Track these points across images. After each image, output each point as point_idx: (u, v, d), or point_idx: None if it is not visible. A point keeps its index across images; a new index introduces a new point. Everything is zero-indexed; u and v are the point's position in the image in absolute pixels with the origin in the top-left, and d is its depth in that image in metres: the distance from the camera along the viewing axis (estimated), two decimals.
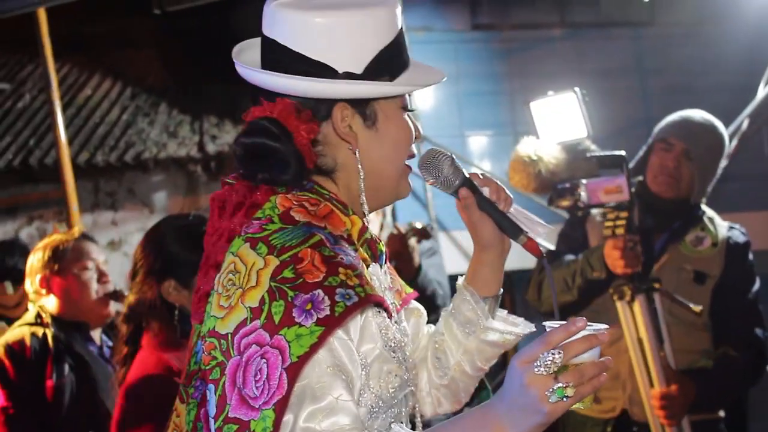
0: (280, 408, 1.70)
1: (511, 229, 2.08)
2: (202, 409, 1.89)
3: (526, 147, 4.21)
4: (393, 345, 1.93)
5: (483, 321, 2.20)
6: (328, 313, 1.74)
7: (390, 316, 1.97)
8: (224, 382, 1.77)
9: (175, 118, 9.22)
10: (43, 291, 3.87)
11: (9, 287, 4.41)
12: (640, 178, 4.12)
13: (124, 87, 9.42)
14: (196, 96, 9.38)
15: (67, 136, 5.75)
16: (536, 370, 1.65)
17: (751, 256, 4.12)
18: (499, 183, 2.12)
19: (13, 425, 3.59)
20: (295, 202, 1.94)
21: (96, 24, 9.29)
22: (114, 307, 4.03)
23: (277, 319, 1.74)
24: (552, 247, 2.07)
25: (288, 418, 1.71)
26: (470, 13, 7.95)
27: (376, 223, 4.74)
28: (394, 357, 1.92)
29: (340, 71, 1.95)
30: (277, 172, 1.96)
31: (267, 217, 1.92)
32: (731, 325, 4.00)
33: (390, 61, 2.00)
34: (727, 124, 4.23)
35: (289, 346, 1.72)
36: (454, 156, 2.13)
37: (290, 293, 1.76)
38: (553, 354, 1.65)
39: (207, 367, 1.84)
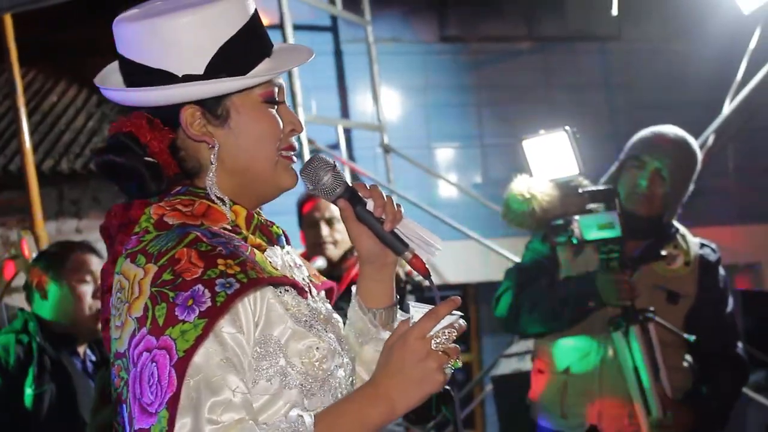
0: (173, 404, 1.72)
1: (393, 244, 2.04)
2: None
3: (520, 185, 4.20)
4: (306, 319, 1.93)
5: (374, 332, 2.16)
6: (209, 304, 1.76)
7: (302, 293, 1.97)
8: (129, 398, 1.78)
9: None
10: (38, 296, 3.81)
11: None
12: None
13: (90, 94, 9.36)
14: None
15: (31, 143, 5.67)
16: (434, 346, 1.80)
17: (722, 272, 4.14)
18: (387, 196, 2.07)
19: None
20: (167, 208, 1.95)
21: (63, 31, 9.24)
22: None
23: (161, 321, 1.76)
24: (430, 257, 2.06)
25: (189, 418, 1.72)
26: (439, 25, 7.95)
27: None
28: (311, 330, 1.92)
29: (180, 75, 1.94)
30: (133, 186, 1.97)
31: (144, 229, 1.92)
32: (712, 343, 4.03)
33: (237, 54, 1.99)
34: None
35: (175, 344, 1.74)
36: (337, 164, 2.08)
37: (171, 294, 1.77)
38: (445, 332, 1.81)
39: (119, 390, 1.85)
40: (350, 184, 2.08)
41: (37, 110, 9.01)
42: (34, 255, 4.18)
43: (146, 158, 1.95)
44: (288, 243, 2.13)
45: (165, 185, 1.99)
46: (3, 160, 8.28)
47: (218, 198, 1.99)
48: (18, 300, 5.53)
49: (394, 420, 1.87)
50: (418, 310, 1.84)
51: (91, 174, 8.27)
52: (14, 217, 8.10)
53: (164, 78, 1.94)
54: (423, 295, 4.72)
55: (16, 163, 7.89)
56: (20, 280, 4.43)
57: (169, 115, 1.96)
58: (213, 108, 1.98)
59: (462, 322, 1.85)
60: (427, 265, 2.01)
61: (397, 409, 1.82)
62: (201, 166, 2.00)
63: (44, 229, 5.27)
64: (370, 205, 2.06)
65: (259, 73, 2.00)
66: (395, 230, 2.05)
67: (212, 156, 1.98)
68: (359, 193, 2.07)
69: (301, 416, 1.83)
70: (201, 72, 1.95)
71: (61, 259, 3.83)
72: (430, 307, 1.84)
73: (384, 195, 2.07)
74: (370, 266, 2.16)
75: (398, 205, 2.09)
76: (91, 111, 9.16)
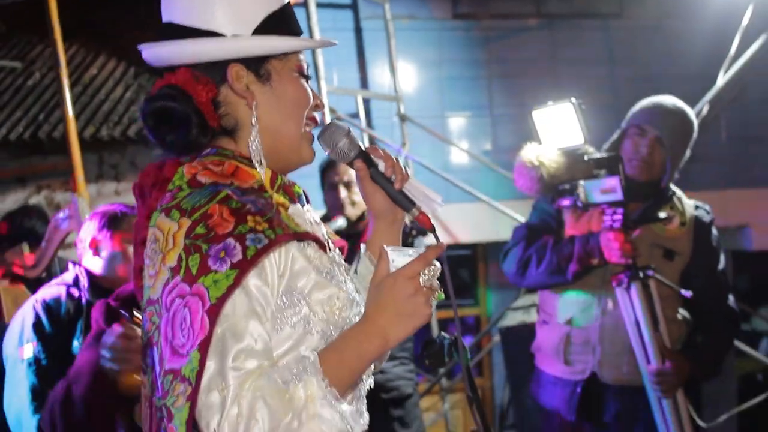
0: (204, 347, 1.75)
1: (402, 202, 2.12)
2: (153, 372, 1.89)
3: (529, 153, 4.23)
4: (327, 271, 1.97)
5: None
6: (240, 257, 1.79)
7: (323, 247, 2.00)
8: (161, 341, 1.81)
9: None
10: (91, 252, 3.82)
11: (26, 248, 4.37)
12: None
13: (128, 67, 9.35)
14: None
15: (74, 112, 5.68)
16: (423, 282, 1.89)
17: (715, 232, 4.17)
18: (396, 159, 2.15)
19: (42, 377, 3.54)
20: (199, 167, 1.98)
21: (103, 8, 9.25)
22: None
23: (194, 270, 1.79)
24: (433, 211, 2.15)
25: (215, 361, 1.75)
26: (452, 3, 7.92)
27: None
28: (332, 281, 1.96)
29: (228, 35, 1.99)
30: (182, 131, 1.98)
31: (177, 186, 1.95)
32: (706, 297, 4.05)
33: (278, 26, 2.04)
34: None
35: (208, 291, 1.77)
36: (350, 130, 2.14)
37: (204, 246, 1.80)
38: (432, 270, 1.90)
39: (150, 334, 1.88)
40: (363, 148, 2.14)
41: (78, 82, 9.01)
42: (85, 215, 4.18)
43: (196, 107, 1.98)
44: (308, 202, 2.16)
45: (208, 138, 2.03)
46: (48, 127, 8.30)
47: (246, 159, 2.02)
48: (70, 255, 5.59)
49: (387, 350, 1.94)
50: (395, 252, 1.93)
51: (129, 140, 8.29)
52: (58, 180, 8.13)
53: (213, 37, 1.99)
54: (425, 235, 4.81)
55: (59, 130, 7.92)
56: (72, 237, 4.46)
57: (215, 71, 2.00)
58: (256, 68, 2.02)
59: (437, 264, 1.92)
60: (431, 219, 2.08)
61: (390, 341, 1.89)
62: (238, 124, 2.03)
63: (86, 191, 5.28)
64: (381, 166, 2.13)
65: (300, 42, 2.07)
66: (403, 189, 2.12)
67: (253, 116, 2.02)
68: (371, 156, 2.13)
69: (307, 356, 1.87)
70: (248, 35, 1.99)
71: (118, 221, 3.84)
72: (405, 249, 1.95)
73: (393, 157, 2.14)
74: (381, 222, 2.23)
75: (405, 167, 2.15)
76: (129, 82, 9.15)
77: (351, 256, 2.32)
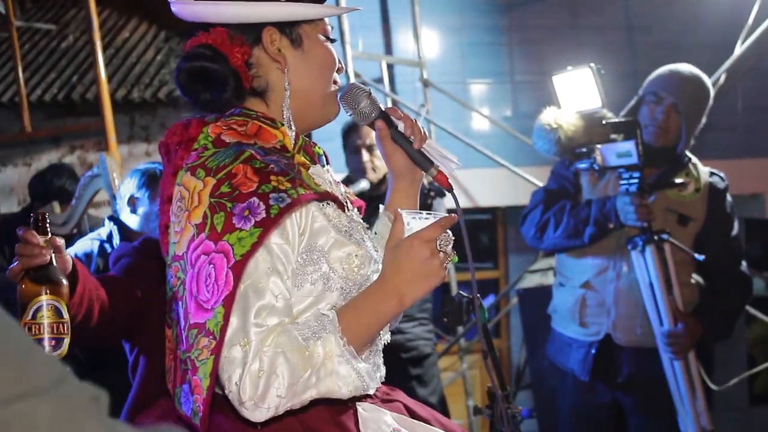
0: (229, 303, 1.77)
1: (421, 162, 2.13)
2: (178, 326, 1.90)
3: (548, 115, 4.21)
4: (346, 229, 1.99)
5: None
6: (264, 215, 1.81)
7: (342, 206, 2.02)
8: (186, 296, 1.83)
9: None
10: (129, 209, 3.83)
11: (56, 206, 4.40)
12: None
13: (159, 30, 9.35)
14: None
15: (106, 74, 5.68)
16: (439, 246, 1.91)
17: (729, 199, 4.16)
18: (415, 120, 2.15)
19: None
20: (224, 127, 1.99)
21: None
22: None
23: (219, 228, 1.81)
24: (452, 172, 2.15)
25: (237, 317, 1.77)
26: None
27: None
28: (350, 239, 1.97)
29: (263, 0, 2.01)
30: (217, 92, 2.01)
31: (202, 146, 1.96)
32: (719, 262, 4.05)
33: None
34: None
35: (232, 248, 1.79)
36: (371, 91, 2.15)
37: (228, 205, 1.82)
38: (447, 235, 1.93)
39: (175, 289, 1.91)
40: (383, 109, 2.15)
41: (111, 45, 9.02)
42: (114, 174, 4.19)
43: (233, 68, 1.99)
44: (327, 162, 2.18)
45: (241, 99, 2.05)
46: (81, 89, 8.32)
47: (268, 119, 2.03)
48: (100, 212, 5.61)
49: (403, 310, 1.95)
50: (410, 215, 1.95)
51: (160, 103, 8.30)
52: (91, 141, 8.16)
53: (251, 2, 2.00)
54: (443, 197, 4.80)
55: (92, 92, 7.94)
56: (102, 195, 4.47)
57: (249, 33, 2.02)
58: (289, 32, 2.04)
59: (450, 233, 1.95)
60: (449, 179, 2.09)
61: (406, 301, 1.91)
62: (268, 86, 2.05)
63: (117, 152, 5.29)
64: (401, 126, 2.14)
65: (331, 9, 2.11)
66: (422, 150, 2.13)
67: (285, 79, 2.04)
68: (391, 117, 2.15)
69: (326, 314, 1.89)
70: (283, 2, 2.00)
71: (156, 180, 3.85)
72: (420, 212, 1.96)
73: (411, 118, 2.15)
74: (401, 182, 2.25)
75: (423, 128, 2.17)
76: (160, 46, 9.15)
77: (373, 217, 2.32)
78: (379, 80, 7.17)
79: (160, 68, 8.79)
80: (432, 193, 4.77)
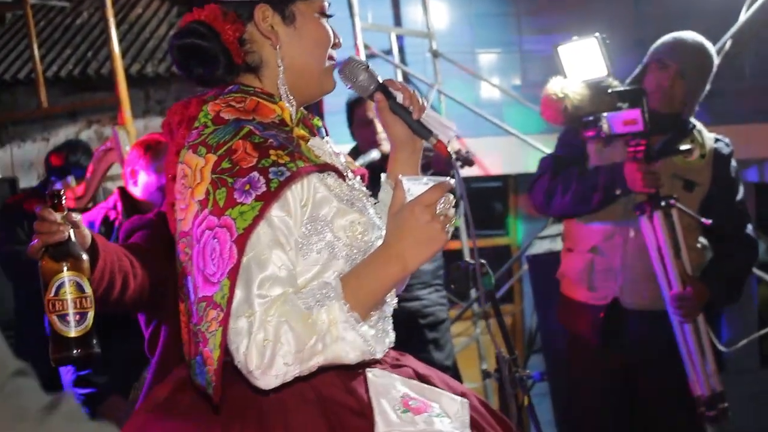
0: (234, 275, 1.80)
1: (420, 131, 2.13)
2: (189, 300, 1.93)
3: (555, 85, 4.21)
4: (348, 198, 2.00)
5: None
6: (264, 189, 1.82)
7: (342, 176, 2.02)
8: (194, 271, 1.85)
9: None
10: (131, 182, 3.85)
11: (72, 181, 4.42)
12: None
13: (172, 6, 9.34)
14: None
15: (120, 50, 5.68)
16: (440, 210, 1.89)
17: (734, 164, 4.15)
18: (412, 91, 2.16)
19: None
20: (223, 105, 1.99)
21: None
22: None
23: (221, 203, 1.83)
24: (452, 145, 2.16)
25: (241, 289, 1.79)
26: None
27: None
28: (353, 207, 1.98)
29: None
30: (209, 68, 2.01)
31: (202, 124, 1.97)
32: (725, 226, 4.06)
33: None
34: (712, 44, 4.21)
35: (235, 222, 1.81)
36: (369, 65, 2.15)
37: (230, 180, 1.83)
38: (448, 198, 1.90)
39: (184, 264, 1.93)
40: (381, 81, 2.16)
41: (124, 21, 9.02)
42: (126, 147, 4.22)
43: (223, 45, 2.00)
44: (327, 134, 2.19)
45: (234, 75, 2.05)
46: (96, 64, 8.33)
47: (266, 94, 2.04)
48: (112, 186, 5.64)
49: (407, 275, 1.97)
50: (410, 181, 1.95)
51: (174, 77, 8.30)
52: (107, 115, 8.17)
53: None
54: (463, 167, 4.82)
55: (107, 67, 7.94)
56: (116, 169, 4.50)
57: (242, 9, 2.02)
58: (282, 9, 2.03)
59: (451, 196, 1.93)
60: (447, 147, 2.10)
61: (409, 266, 1.92)
62: (262, 62, 2.06)
63: (133, 126, 5.30)
64: (399, 97, 2.15)
65: None
66: (421, 119, 2.13)
67: (278, 57, 2.04)
68: (389, 88, 2.15)
69: (329, 282, 1.91)
70: None
71: (155, 150, 3.86)
72: (419, 178, 1.98)
73: (409, 89, 2.16)
74: (402, 152, 2.25)
75: (421, 98, 2.17)
76: (172, 21, 9.15)
77: (378, 188, 2.33)
78: (389, 52, 7.16)
79: None
80: (459, 163, 4.79)
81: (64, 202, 2.25)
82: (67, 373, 4.10)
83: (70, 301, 2.15)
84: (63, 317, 2.15)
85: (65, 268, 2.16)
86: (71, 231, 2.22)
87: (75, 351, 2.17)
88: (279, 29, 2.03)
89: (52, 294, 2.14)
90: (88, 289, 2.19)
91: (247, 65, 2.05)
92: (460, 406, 2.03)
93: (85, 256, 2.22)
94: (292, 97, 2.07)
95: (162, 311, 2.97)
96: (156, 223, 3.10)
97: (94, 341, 2.20)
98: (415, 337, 5.02)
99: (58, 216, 2.20)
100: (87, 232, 2.37)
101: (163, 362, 2.96)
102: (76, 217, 2.28)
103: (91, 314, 2.18)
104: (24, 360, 1.10)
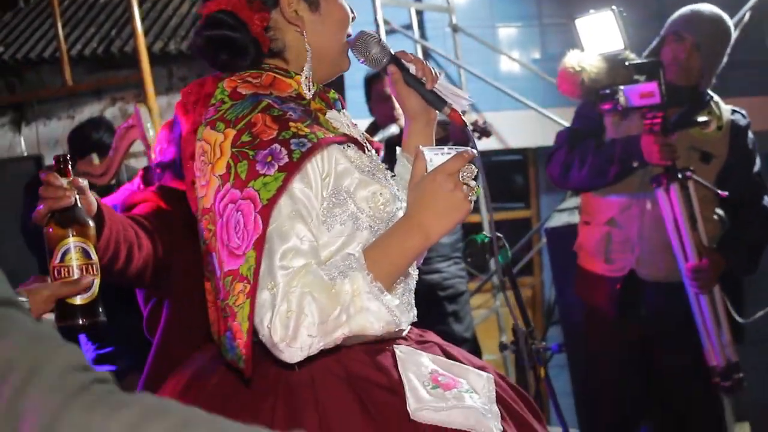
0: (260, 246, 1.78)
1: (435, 102, 2.12)
2: (215, 277, 1.91)
3: (572, 58, 4.20)
4: (369, 169, 1.97)
5: None
6: (287, 160, 1.81)
7: (361, 147, 2.01)
8: (218, 246, 1.84)
9: None
10: (154, 156, 3.85)
11: (95, 158, 4.43)
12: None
13: None
14: None
15: (143, 28, 5.69)
16: (463, 179, 1.87)
17: (751, 135, 4.12)
18: (425, 62, 2.14)
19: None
20: (239, 81, 1.99)
21: None
22: None
23: (243, 176, 1.81)
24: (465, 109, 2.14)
25: (264, 261, 1.77)
26: None
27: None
28: (374, 178, 1.97)
29: None
30: (238, 58, 1.99)
31: (219, 100, 1.96)
32: (742, 198, 4.04)
33: None
34: (731, 16, 4.17)
35: (258, 194, 1.79)
36: (381, 38, 2.14)
37: (251, 153, 1.82)
38: (469, 167, 1.88)
39: (208, 241, 1.91)
40: (393, 53, 2.14)
41: None
42: (148, 124, 4.21)
43: (253, 36, 1.99)
44: (343, 107, 2.17)
45: (259, 62, 2.03)
46: (119, 42, 8.35)
47: (282, 69, 2.03)
48: (135, 163, 5.66)
49: (429, 245, 1.94)
50: (431, 152, 1.93)
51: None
52: (130, 93, 8.19)
53: None
54: (480, 138, 4.81)
55: (130, 45, 7.96)
56: (138, 146, 4.50)
57: None
58: None
59: (473, 166, 1.90)
60: (462, 116, 2.09)
61: (432, 236, 1.90)
62: (285, 47, 2.04)
63: (156, 102, 5.31)
64: (412, 69, 2.13)
65: None
66: (434, 89, 2.10)
67: (305, 42, 2.03)
68: (402, 60, 2.14)
69: (352, 254, 1.89)
70: None
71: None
72: (440, 148, 1.95)
73: (421, 60, 2.14)
74: (417, 124, 2.24)
75: (433, 68, 2.16)
76: None
77: (393, 162, 2.32)
78: (409, 27, 7.13)
79: (196, 21, 8.77)
80: (476, 134, 4.78)
81: (70, 167, 2.17)
82: (87, 352, 4.12)
83: (76, 267, 2.07)
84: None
85: (71, 234, 2.08)
86: (77, 197, 2.15)
87: (81, 319, 2.09)
88: (304, 14, 2.03)
89: (58, 260, 2.07)
90: (95, 256, 2.12)
91: (271, 51, 2.04)
92: (486, 381, 2.02)
93: (91, 223, 2.15)
94: (293, 72, 2.06)
95: (164, 288, 2.94)
96: (159, 196, 3.08)
97: (100, 309, 2.12)
98: (435, 309, 5.03)
99: (64, 181, 2.12)
100: (93, 199, 2.31)
101: (165, 343, 2.93)
102: (83, 182, 2.22)
103: (97, 282, 2.10)
104: None
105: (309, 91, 2.05)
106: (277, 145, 1.82)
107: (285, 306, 1.76)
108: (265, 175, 1.80)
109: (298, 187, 1.84)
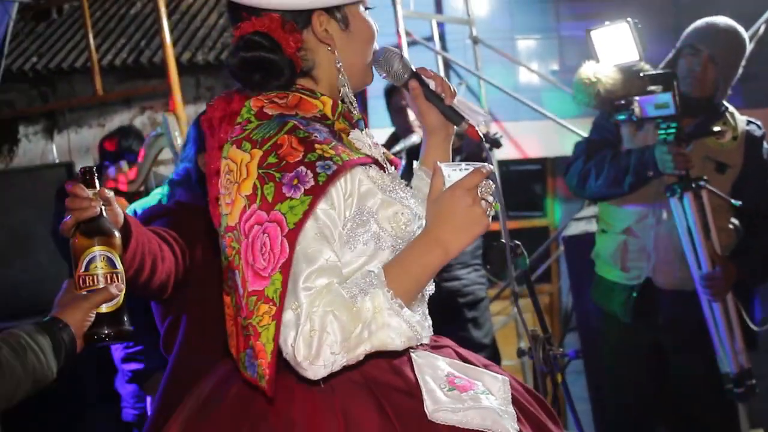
0: (286, 269, 1.78)
1: (453, 117, 2.15)
2: (237, 294, 1.91)
3: (587, 69, 4.18)
4: (390, 189, 1.98)
5: None
6: (313, 183, 1.80)
7: (382, 168, 2.02)
8: (242, 265, 1.83)
9: None
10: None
11: (125, 166, 4.47)
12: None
13: None
14: None
15: (172, 39, 5.74)
16: (481, 194, 1.88)
17: (766, 146, 4.12)
18: (444, 78, 2.17)
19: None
20: (266, 101, 1.98)
21: None
22: None
23: (270, 198, 1.81)
24: (484, 130, 2.15)
25: (289, 283, 1.78)
26: None
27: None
28: (395, 198, 1.97)
29: None
30: (272, 79, 1.98)
31: (245, 119, 1.95)
32: (756, 207, 4.03)
33: None
34: (746, 29, 4.17)
35: (285, 217, 1.79)
36: (403, 54, 2.16)
37: (277, 175, 1.81)
38: (488, 183, 1.88)
39: (231, 258, 1.90)
40: (414, 69, 2.17)
41: (176, 10, 9.12)
42: (175, 133, 4.25)
43: (287, 57, 1.98)
44: (366, 126, 2.18)
45: (293, 83, 2.03)
46: (149, 53, 8.43)
47: (307, 90, 2.04)
48: (163, 171, 5.71)
49: (449, 260, 1.93)
50: (449, 167, 1.94)
51: (223, 64, 8.36)
52: (159, 102, 8.26)
53: None
54: (491, 149, 4.83)
55: (159, 55, 8.05)
56: (165, 154, 4.54)
57: (300, 19, 2.00)
58: (337, 15, 2.03)
59: (491, 181, 1.91)
60: (478, 131, 2.10)
61: (451, 251, 1.90)
62: (315, 65, 2.05)
63: (184, 112, 5.36)
64: (431, 85, 2.16)
65: None
66: (452, 105, 2.14)
67: (337, 61, 2.05)
68: (422, 77, 2.17)
69: (372, 271, 1.90)
70: None
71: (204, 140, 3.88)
72: (458, 164, 1.94)
73: (440, 76, 2.17)
74: (435, 138, 2.27)
75: (451, 85, 2.18)
76: (222, 10, 9.22)
77: (410, 174, 2.35)
78: (430, 38, 7.15)
79: (223, 31, 8.85)
80: (487, 145, 4.79)
81: (96, 179, 2.17)
82: (116, 350, 4.16)
83: (101, 276, 2.07)
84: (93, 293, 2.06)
85: (96, 243, 2.08)
86: (103, 208, 2.15)
87: (107, 328, 2.08)
88: (334, 33, 2.03)
89: (83, 269, 2.06)
90: (120, 266, 2.11)
91: (301, 71, 2.03)
92: (502, 384, 2.03)
93: (117, 233, 2.15)
94: (333, 93, 2.08)
95: (181, 302, 2.95)
96: (175, 212, 3.10)
97: (126, 318, 2.12)
98: (455, 316, 5.05)
99: (90, 192, 2.13)
100: (119, 211, 2.31)
101: (183, 357, 2.95)
102: (109, 194, 2.22)
103: (123, 291, 2.10)
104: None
105: (351, 102, 2.07)
106: (303, 168, 1.82)
107: (308, 326, 1.78)
108: (291, 198, 1.80)
109: (322, 208, 1.85)
